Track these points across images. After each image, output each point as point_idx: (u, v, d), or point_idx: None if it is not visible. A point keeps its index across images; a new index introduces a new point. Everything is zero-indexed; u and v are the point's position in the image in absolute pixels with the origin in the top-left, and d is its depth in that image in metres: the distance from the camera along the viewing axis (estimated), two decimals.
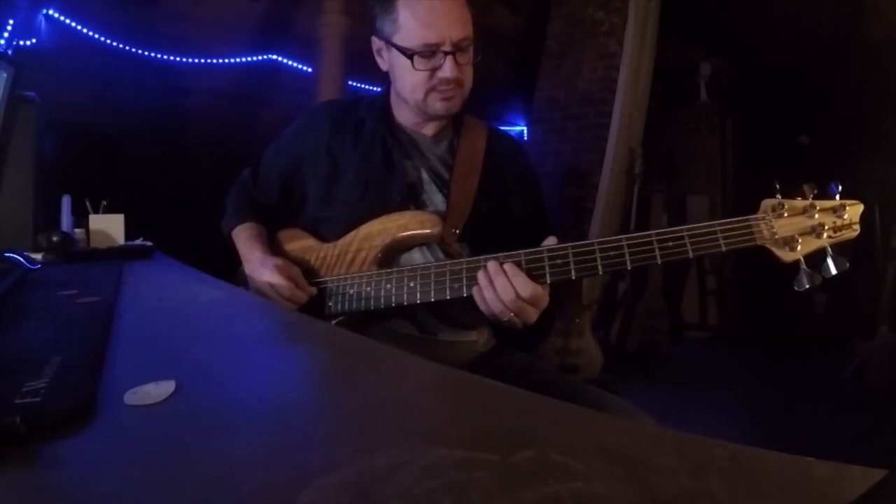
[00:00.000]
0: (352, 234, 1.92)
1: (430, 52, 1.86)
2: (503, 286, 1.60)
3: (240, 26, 5.30)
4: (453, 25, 1.86)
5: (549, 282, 1.60)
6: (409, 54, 1.86)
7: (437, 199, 1.95)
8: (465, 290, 1.67)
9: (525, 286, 1.59)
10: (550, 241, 1.64)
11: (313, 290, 1.89)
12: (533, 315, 1.64)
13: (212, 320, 1.28)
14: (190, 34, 4.97)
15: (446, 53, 1.85)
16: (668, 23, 6.83)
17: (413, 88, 1.92)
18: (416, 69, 1.87)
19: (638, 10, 6.54)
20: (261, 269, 1.91)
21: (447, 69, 1.87)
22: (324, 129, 2.10)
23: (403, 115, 2.06)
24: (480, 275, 1.63)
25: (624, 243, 1.53)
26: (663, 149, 7.93)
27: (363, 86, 5.86)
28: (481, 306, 1.64)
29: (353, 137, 2.06)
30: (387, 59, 1.98)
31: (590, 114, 6.71)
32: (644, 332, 6.43)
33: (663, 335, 6.54)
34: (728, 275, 8.04)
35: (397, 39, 1.88)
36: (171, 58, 4.91)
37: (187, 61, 5.02)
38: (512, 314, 1.61)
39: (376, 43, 1.98)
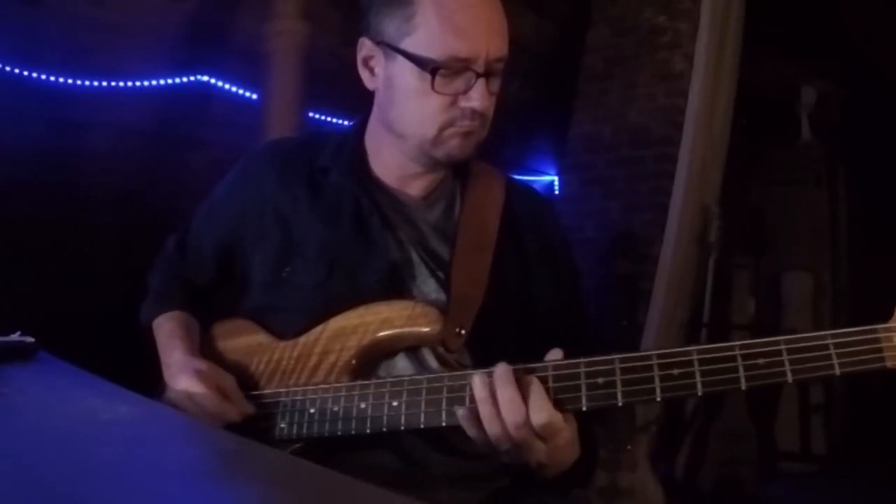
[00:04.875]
0: (318, 329, 1.92)
1: (457, 69, 1.86)
2: (510, 400, 1.58)
3: (158, 36, 5.28)
4: (492, 38, 1.87)
5: (585, 408, 1.60)
6: (429, 68, 1.84)
7: (428, 287, 1.96)
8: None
9: (540, 409, 1.57)
10: (556, 354, 1.65)
11: (249, 407, 1.88)
12: (540, 453, 1.62)
13: (115, 447, 1.27)
14: (87, 47, 4.94)
15: (478, 75, 1.86)
16: (756, 30, 6.86)
17: (422, 120, 1.91)
18: (435, 91, 1.86)
19: (714, 13, 6.58)
20: (179, 374, 1.92)
21: (476, 97, 1.87)
22: (267, 182, 2.11)
23: (386, 163, 2.07)
24: (477, 382, 1.61)
25: (695, 357, 1.54)
26: (750, 207, 7.96)
27: (329, 119, 5.87)
28: (469, 429, 1.63)
29: (310, 195, 2.06)
30: (381, 74, 1.98)
31: (647, 158, 6.74)
32: (723, 465, 6.39)
33: (750, 468, 6.49)
34: (840, 385, 7.98)
35: (409, 45, 1.87)
36: (62, 80, 4.85)
37: (83, 85, 4.96)
38: (511, 445, 1.60)
39: (367, 47, 1.98)
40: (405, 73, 1.89)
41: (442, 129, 1.90)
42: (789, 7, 7.04)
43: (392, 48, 1.90)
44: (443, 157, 1.95)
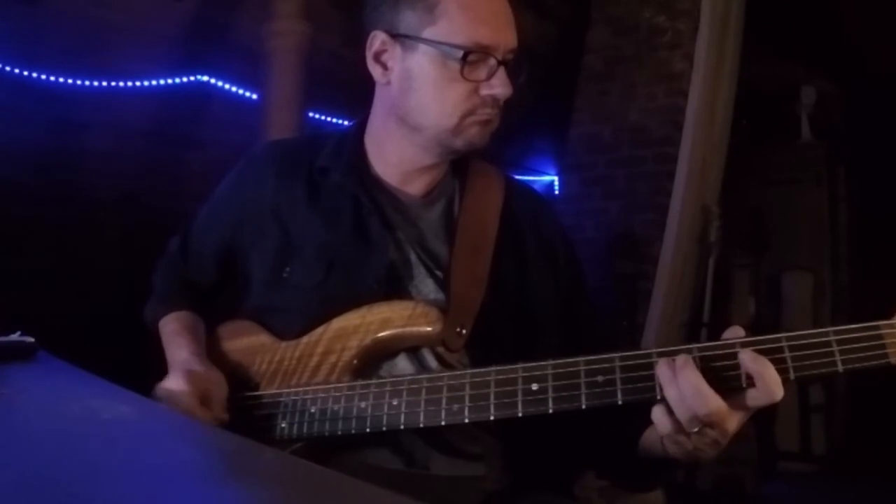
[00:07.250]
0: (319, 329, 1.92)
1: (481, 56, 1.88)
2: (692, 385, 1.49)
3: (157, 36, 5.27)
4: (509, 29, 1.92)
5: (584, 406, 1.58)
6: (459, 55, 1.86)
7: (427, 288, 1.96)
8: (467, 413, 1.67)
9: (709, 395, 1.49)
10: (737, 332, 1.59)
11: (223, 415, 1.85)
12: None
13: (116, 447, 1.27)
14: (86, 47, 4.93)
15: (499, 62, 1.89)
16: (756, 30, 6.85)
17: (443, 109, 1.93)
18: (463, 78, 1.87)
19: (714, 14, 6.58)
20: (171, 373, 1.91)
21: (498, 83, 1.89)
22: (266, 183, 2.10)
23: (388, 161, 2.07)
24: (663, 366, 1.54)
25: (696, 355, 1.53)
26: (750, 207, 7.94)
27: (329, 119, 5.85)
28: (659, 419, 1.57)
29: (310, 195, 2.06)
30: (395, 67, 1.97)
31: (647, 158, 6.73)
32: (722, 464, 6.35)
33: (749, 468, 6.46)
34: (840, 385, 7.96)
35: (432, 35, 1.89)
36: (61, 80, 4.85)
37: (83, 85, 4.95)
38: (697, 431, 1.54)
39: (380, 41, 1.98)
40: (426, 62, 1.91)
41: (462, 118, 1.91)
42: (789, 7, 7.03)
43: (413, 38, 1.91)
44: (462, 145, 1.96)
